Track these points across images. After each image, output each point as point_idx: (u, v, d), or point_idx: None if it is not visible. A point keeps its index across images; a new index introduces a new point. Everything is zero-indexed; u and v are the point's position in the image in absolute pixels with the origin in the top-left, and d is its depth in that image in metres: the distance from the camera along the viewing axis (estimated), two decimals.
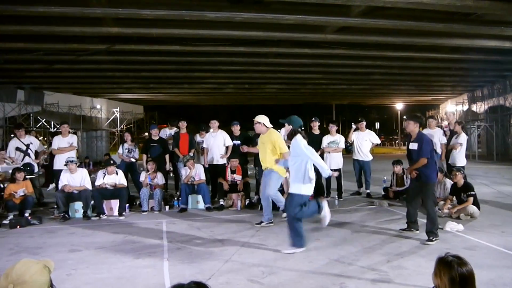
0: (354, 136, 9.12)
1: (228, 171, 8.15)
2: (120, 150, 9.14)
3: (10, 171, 7.45)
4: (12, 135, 13.45)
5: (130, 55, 13.77)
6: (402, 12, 9.50)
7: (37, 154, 8.77)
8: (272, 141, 6.03)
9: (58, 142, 8.32)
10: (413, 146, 5.50)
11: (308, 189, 4.93)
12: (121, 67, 16.21)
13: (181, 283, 1.19)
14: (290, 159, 5.19)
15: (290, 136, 5.08)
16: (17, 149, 8.40)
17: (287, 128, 6.31)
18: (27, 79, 18.04)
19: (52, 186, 9.91)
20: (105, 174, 7.61)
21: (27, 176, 7.60)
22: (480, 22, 10.29)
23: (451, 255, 2.09)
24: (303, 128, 5.42)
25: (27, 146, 8.45)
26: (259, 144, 6.43)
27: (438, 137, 8.37)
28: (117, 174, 7.68)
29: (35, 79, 18.20)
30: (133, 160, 8.90)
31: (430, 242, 5.13)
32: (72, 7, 8.58)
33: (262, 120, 6.16)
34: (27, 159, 8.36)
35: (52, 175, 9.24)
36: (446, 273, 2.01)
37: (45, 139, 24.53)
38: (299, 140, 4.98)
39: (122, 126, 27.67)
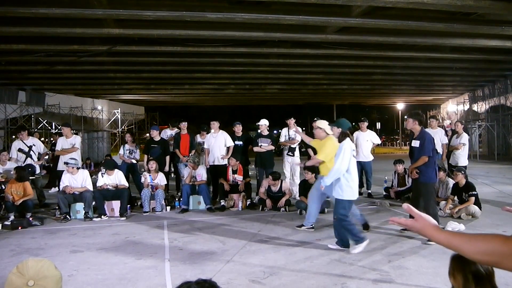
0: (355, 137, 9.10)
1: (230, 171, 8.16)
2: (121, 151, 9.15)
3: (12, 172, 7.47)
4: (14, 136, 13.42)
5: (131, 56, 13.78)
6: (403, 12, 9.49)
7: (40, 156, 8.81)
8: (322, 143, 5.85)
9: (62, 143, 8.40)
10: (415, 143, 5.47)
11: (349, 193, 4.94)
12: (122, 68, 16.24)
13: (188, 281, 1.18)
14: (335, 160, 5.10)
15: (340, 139, 5.06)
16: (20, 150, 8.46)
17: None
18: (28, 80, 18.07)
19: (54, 189, 9.95)
20: (103, 174, 7.61)
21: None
22: (481, 21, 10.27)
23: None
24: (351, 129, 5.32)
25: (30, 147, 8.50)
26: (318, 152, 6.09)
27: (439, 137, 8.35)
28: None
29: (36, 80, 18.23)
30: (134, 161, 8.90)
31: (432, 242, 5.12)
32: (73, 9, 8.59)
33: (323, 125, 5.98)
34: (28, 161, 8.41)
35: (55, 177, 9.29)
36: (460, 270, 1.87)
37: (46, 140, 24.56)
38: (346, 147, 4.92)
39: (123, 127, 27.70)
